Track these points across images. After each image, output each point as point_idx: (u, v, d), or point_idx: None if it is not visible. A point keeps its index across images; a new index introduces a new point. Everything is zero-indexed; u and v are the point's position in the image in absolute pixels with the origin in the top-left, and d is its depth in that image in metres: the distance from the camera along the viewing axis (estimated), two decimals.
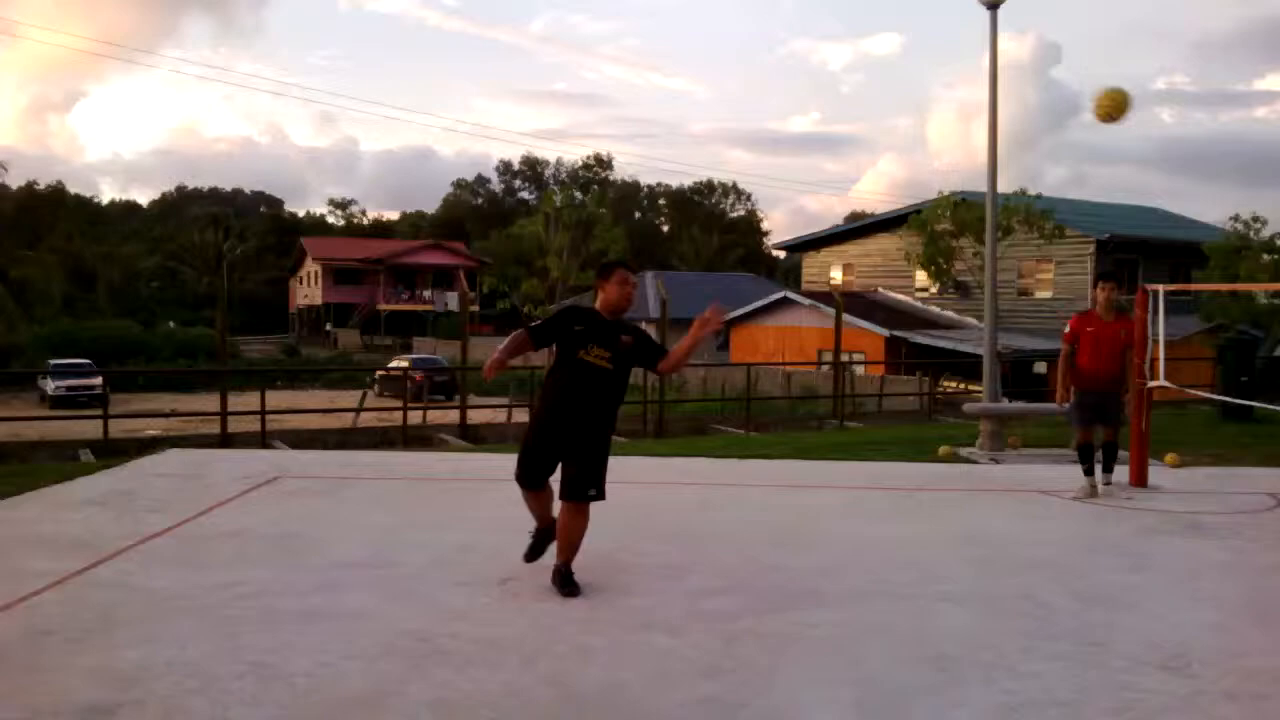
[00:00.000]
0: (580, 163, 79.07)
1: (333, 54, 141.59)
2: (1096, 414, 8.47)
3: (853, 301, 32.44)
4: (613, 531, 7.08)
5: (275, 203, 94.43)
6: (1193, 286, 16.07)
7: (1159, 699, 4.23)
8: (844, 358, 28.59)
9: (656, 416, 18.32)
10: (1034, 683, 4.36)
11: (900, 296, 34.86)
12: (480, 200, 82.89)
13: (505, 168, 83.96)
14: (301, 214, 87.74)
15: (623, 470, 9.81)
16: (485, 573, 5.88)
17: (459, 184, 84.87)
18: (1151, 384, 8.90)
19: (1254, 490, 8.87)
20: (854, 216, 61.72)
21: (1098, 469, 8.54)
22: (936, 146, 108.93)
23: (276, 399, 18.38)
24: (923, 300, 34.26)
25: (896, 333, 29.80)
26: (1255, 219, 20.76)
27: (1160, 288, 8.81)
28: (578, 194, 44.38)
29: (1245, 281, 19.05)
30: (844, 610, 5.35)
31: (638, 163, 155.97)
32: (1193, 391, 12.13)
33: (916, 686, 4.31)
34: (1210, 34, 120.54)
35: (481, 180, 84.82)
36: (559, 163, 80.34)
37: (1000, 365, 25.96)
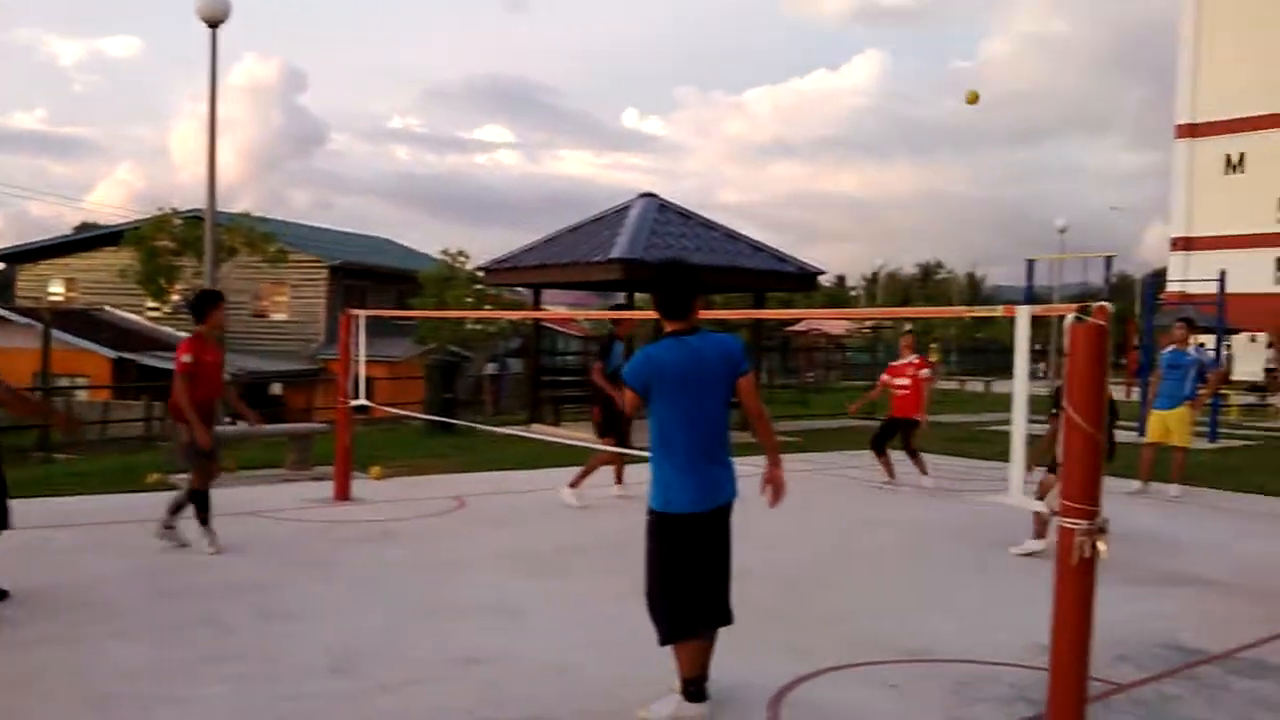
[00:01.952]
0: None
1: None
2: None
3: (75, 320, 29.53)
4: None
5: None
6: (390, 313, 17.50)
7: (321, 702, 4.47)
8: (64, 382, 25.91)
9: None
10: (196, 707, 4.33)
11: (133, 316, 32.65)
12: None
13: None
14: None
15: None
16: None
17: None
18: (353, 403, 9.50)
19: (441, 495, 9.93)
20: (85, 227, 56.29)
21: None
22: (180, 159, 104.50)
23: None
24: (156, 320, 32.50)
25: (125, 354, 27.82)
26: (460, 253, 23.48)
27: (361, 313, 9.46)
28: None
29: (453, 308, 21.37)
30: (9, 660, 4.83)
31: None
32: (391, 410, 13.30)
33: None
34: (440, 84, 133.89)
35: None
36: None
37: (236, 387, 25.76)
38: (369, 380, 18.04)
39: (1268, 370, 36.76)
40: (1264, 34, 54.72)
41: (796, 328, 34.48)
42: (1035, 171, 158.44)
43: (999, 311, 4.64)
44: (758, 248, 17.56)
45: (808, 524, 9.02)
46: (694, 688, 4.27)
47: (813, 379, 30.47)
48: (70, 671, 4.74)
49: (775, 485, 4.45)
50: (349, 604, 6.09)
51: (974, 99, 12.13)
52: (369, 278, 32.70)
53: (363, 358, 9.55)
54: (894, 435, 11.44)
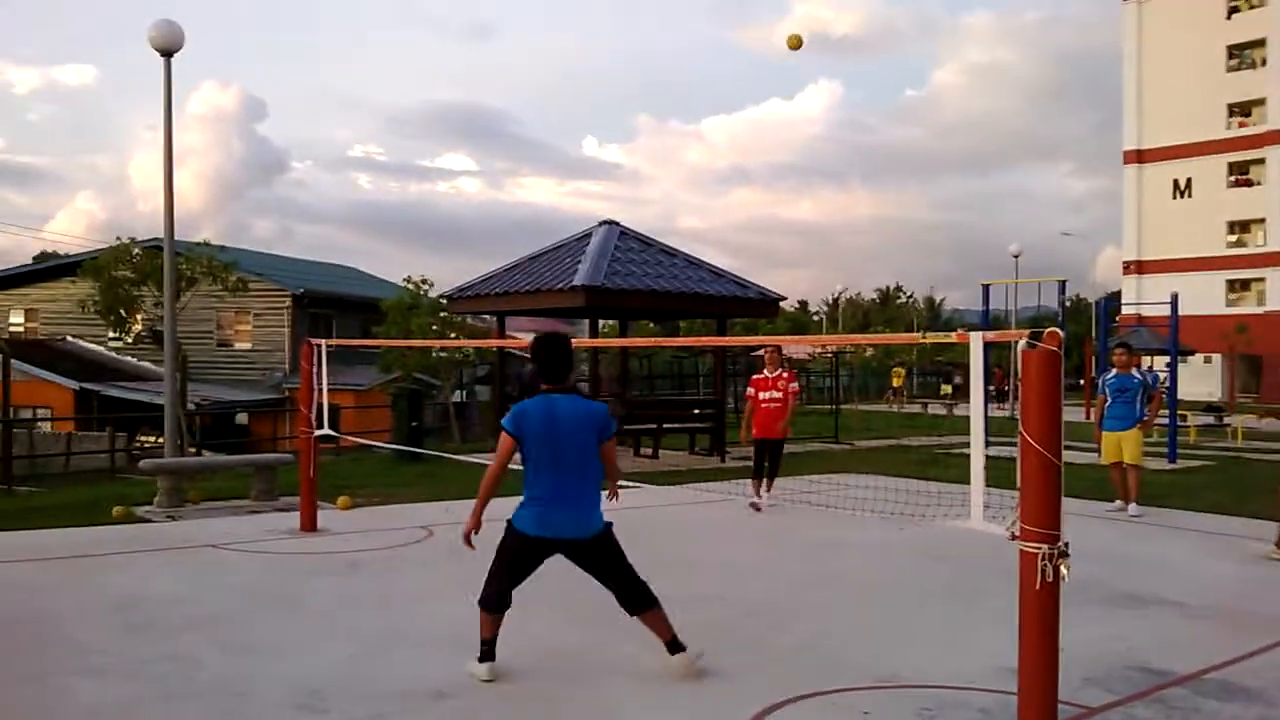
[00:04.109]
0: None
1: None
2: None
3: (36, 350, 29.17)
4: None
5: None
6: (353, 342, 17.40)
7: None
8: (27, 413, 25.50)
9: None
10: None
11: (94, 346, 32.27)
12: None
13: None
14: None
15: None
16: None
17: None
18: (318, 432, 9.45)
19: (410, 524, 9.87)
20: (45, 257, 55.56)
21: None
22: (141, 188, 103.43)
23: None
24: (118, 350, 32.14)
25: (88, 385, 27.47)
26: (424, 280, 23.40)
27: (323, 342, 9.40)
28: None
29: (418, 336, 21.28)
30: None
31: None
32: (354, 438, 13.27)
33: None
34: (401, 111, 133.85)
35: None
36: None
37: (200, 417, 25.47)
38: (334, 409, 17.95)
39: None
40: (1202, 63, 56.10)
41: (761, 352, 34.69)
42: (989, 197, 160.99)
43: (953, 337, 4.71)
44: (719, 274, 17.69)
45: (773, 550, 9.07)
46: (485, 648, 5.21)
47: None
48: (38, 710, 4.67)
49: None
50: (315, 637, 6.03)
51: (796, 43, 11.01)
52: (333, 306, 32.52)
53: (325, 387, 9.50)
54: (765, 455, 11.25)
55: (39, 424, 25.54)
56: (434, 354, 23.60)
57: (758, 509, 10.99)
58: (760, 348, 34.14)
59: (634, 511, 10.61)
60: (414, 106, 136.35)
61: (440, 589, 7.31)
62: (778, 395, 11.01)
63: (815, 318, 78.38)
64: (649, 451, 16.86)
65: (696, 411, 18.75)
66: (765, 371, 11.31)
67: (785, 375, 11.17)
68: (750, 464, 11.63)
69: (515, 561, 5.22)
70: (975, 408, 4.49)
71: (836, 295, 74.08)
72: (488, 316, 23.73)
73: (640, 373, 29.82)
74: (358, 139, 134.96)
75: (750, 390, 11.41)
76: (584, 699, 4.93)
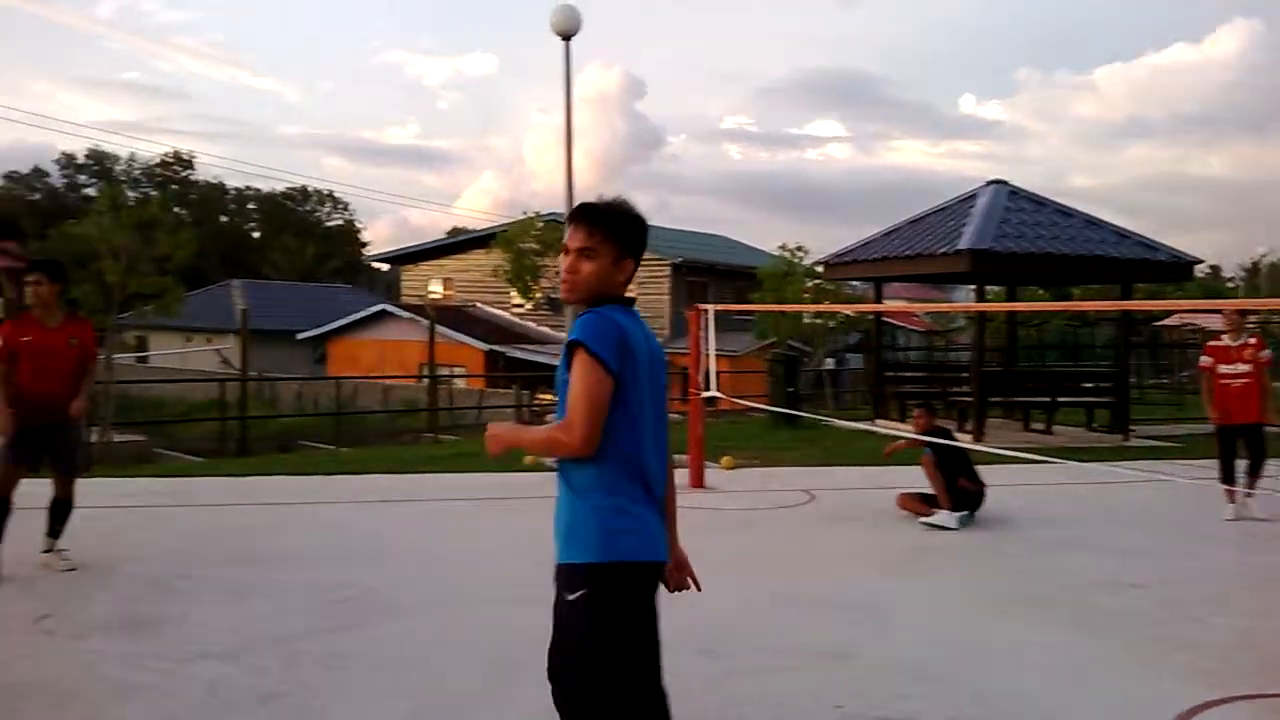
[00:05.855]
0: (157, 160, 72.40)
1: None
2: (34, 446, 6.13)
3: (452, 316, 32.62)
4: (168, 558, 6.67)
5: None
6: (733, 307, 17.72)
7: (693, 681, 4.65)
8: (444, 371, 28.74)
9: (238, 434, 17.29)
10: None
11: (499, 312, 35.57)
12: (38, 195, 73.68)
13: (67, 160, 75.16)
14: None
15: (189, 492, 9.24)
16: (15, 610, 5.29)
17: (11, 176, 74.81)
18: (705, 394, 9.78)
19: (793, 488, 10.00)
20: (456, 232, 61.95)
21: None
22: (534, 167, 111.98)
23: None
24: (520, 316, 35.18)
25: (495, 347, 30.38)
26: (799, 248, 23.47)
27: (710, 308, 9.69)
28: (152, 192, 40.80)
29: (791, 303, 21.43)
30: (414, 622, 5.39)
31: (223, 164, 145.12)
32: (742, 402, 13.51)
33: (476, 691, 4.43)
34: (771, 81, 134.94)
35: (39, 173, 75.33)
36: (132, 158, 72.76)
37: None
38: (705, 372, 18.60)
39: None
40: None
41: (1167, 322, 31.54)
42: None
43: None
44: (1123, 235, 16.22)
45: (1195, 536, 8.24)
46: None
47: (1187, 378, 27.76)
48: (478, 633, 5.21)
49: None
50: (711, 588, 6.21)
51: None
52: (708, 274, 33.53)
53: (712, 351, 9.79)
54: (1235, 448, 8.96)
55: (455, 381, 28.62)
56: (805, 319, 23.71)
57: (1236, 516, 8.79)
58: (1168, 314, 31.11)
59: (1028, 489, 10.10)
60: (783, 75, 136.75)
61: (828, 552, 7.34)
62: (1244, 369, 8.94)
63: (1230, 285, 70.05)
64: (1040, 426, 15.89)
65: (1089, 385, 17.37)
66: (1226, 339, 9.21)
67: (1253, 343, 9.08)
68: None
69: (637, 641, 2.80)
70: None
71: (1256, 259, 65.76)
72: (857, 283, 23.42)
73: (1029, 342, 28.16)
74: (728, 110, 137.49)
75: (1206, 360, 9.28)
76: (992, 684, 4.73)
